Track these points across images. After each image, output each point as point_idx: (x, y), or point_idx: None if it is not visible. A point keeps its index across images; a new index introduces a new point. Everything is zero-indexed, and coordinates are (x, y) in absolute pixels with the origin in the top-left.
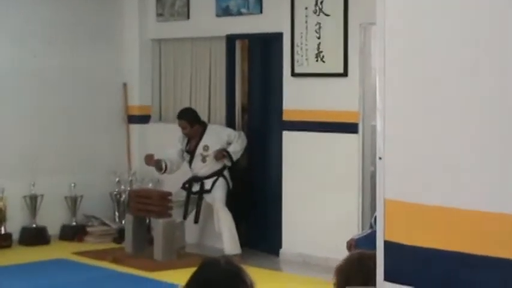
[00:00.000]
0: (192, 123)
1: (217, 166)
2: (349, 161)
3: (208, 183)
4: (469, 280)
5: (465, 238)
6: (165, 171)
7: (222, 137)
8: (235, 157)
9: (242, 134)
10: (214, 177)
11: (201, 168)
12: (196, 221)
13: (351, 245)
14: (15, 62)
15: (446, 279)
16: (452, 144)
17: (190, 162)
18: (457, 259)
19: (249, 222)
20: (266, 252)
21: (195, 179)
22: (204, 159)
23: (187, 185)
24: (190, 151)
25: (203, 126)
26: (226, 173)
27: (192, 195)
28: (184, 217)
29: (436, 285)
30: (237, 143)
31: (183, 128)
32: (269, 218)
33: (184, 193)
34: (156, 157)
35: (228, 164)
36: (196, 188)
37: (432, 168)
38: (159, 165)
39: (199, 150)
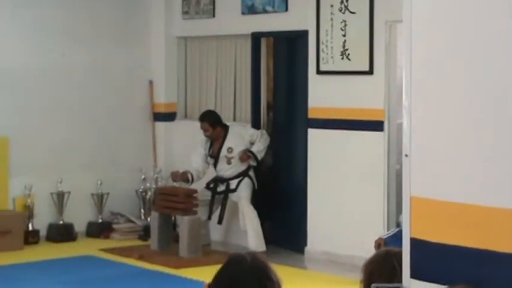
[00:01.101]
0: (213, 125)
1: (242, 167)
2: (375, 159)
3: (233, 183)
4: (496, 278)
5: (492, 235)
6: (192, 182)
7: (245, 138)
8: (259, 156)
9: (264, 132)
10: (240, 178)
11: (227, 170)
12: (219, 222)
13: (380, 244)
14: (43, 60)
15: (472, 277)
16: (479, 141)
17: (215, 165)
18: (483, 256)
19: (274, 220)
20: (291, 250)
21: (220, 179)
22: (229, 161)
23: (211, 185)
24: (214, 154)
25: (225, 128)
26: (251, 173)
27: (216, 195)
28: (209, 217)
29: (462, 282)
30: (260, 142)
31: (205, 130)
32: (294, 216)
33: (208, 193)
34: (181, 170)
35: (254, 164)
36: (221, 188)
37: (458, 166)
38: (185, 178)
39: (224, 152)
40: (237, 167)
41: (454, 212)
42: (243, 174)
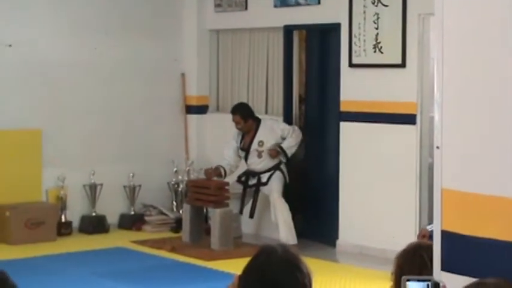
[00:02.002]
0: (245, 117)
1: (273, 161)
2: (407, 152)
3: (264, 177)
4: None
5: None
6: (225, 177)
7: (277, 132)
8: (289, 152)
9: (296, 128)
10: (271, 172)
11: (258, 163)
12: (251, 215)
13: (424, 235)
14: (76, 53)
15: (503, 270)
16: (510, 133)
17: (246, 158)
18: None
19: (306, 213)
20: (323, 243)
21: (252, 173)
22: (259, 155)
23: (243, 179)
24: (245, 147)
25: (257, 121)
26: (283, 166)
27: (248, 189)
28: (241, 211)
29: (493, 275)
30: (291, 138)
31: (236, 123)
32: (326, 209)
33: (239, 186)
34: (213, 164)
35: (283, 160)
36: (253, 181)
37: (490, 158)
38: (218, 173)
39: (254, 146)
40: (268, 161)
41: (485, 204)
42: (274, 168)
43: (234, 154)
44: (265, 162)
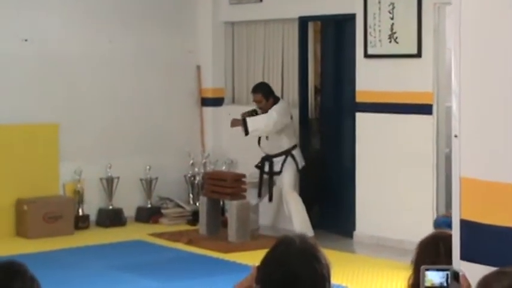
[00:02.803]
0: (267, 96)
1: (283, 144)
2: (424, 143)
3: (278, 164)
4: None
5: None
6: (246, 132)
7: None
8: (251, 127)
9: (274, 114)
10: (283, 157)
11: (266, 146)
12: (270, 199)
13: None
14: (92, 46)
15: None
16: None
17: (259, 141)
18: None
19: (323, 204)
20: (340, 235)
21: (266, 158)
22: (267, 136)
23: (259, 165)
24: None
25: (276, 101)
26: (296, 151)
27: (264, 175)
28: (259, 195)
29: None
30: (261, 117)
31: (257, 102)
32: (343, 200)
33: (257, 174)
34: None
35: (243, 133)
36: (266, 167)
37: (508, 147)
38: (240, 123)
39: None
40: (276, 143)
41: (504, 192)
42: (286, 153)
43: None
44: (274, 145)
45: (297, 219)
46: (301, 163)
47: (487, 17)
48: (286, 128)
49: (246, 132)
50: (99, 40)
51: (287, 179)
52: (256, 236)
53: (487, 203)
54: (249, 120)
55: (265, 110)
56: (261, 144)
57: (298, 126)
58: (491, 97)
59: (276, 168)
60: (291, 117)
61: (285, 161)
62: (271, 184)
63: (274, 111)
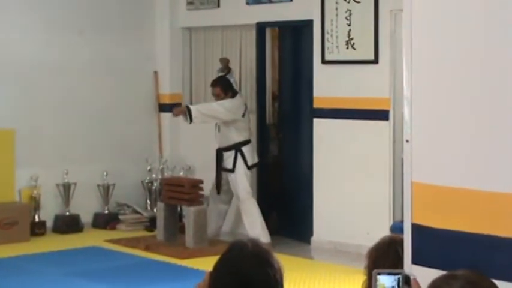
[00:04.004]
0: (226, 90)
1: (233, 138)
2: (380, 148)
3: (228, 159)
4: (498, 262)
5: (493, 220)
6: (191, 118)
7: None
8: (195, 114)
9: (227, 105)
10: (233, 152)
11: (218, 138)
12: (218, 192)
13: None
14: (48, 52)
15: (474, 262)
16: (478, 127)
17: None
18: (485, 242)
19: (280, 210)
20: (297, 240)
21: (218, 151)
22: (218, 129)
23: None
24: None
25: (234, 95)
26: (246, 148)
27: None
28: (218, 190)
29: (464, 267)
30: (207, 103)
31: (216, 96)
32: (300, 205)
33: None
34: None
35: (186, 121)
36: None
37: (459, 152)
38: (184, 111)
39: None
40: (225, 135)
41: (455, 197)
42: (235, 147)
43: None
44: (224, 138)
45: (253, 227)
46: (253, 160)
47: (438, 23)
48: (237, 122)
49: (191, 120)
50: (56, 46)
51: (240, 184)
52: (214, 242)
53: (438, 207)
54: (193, 107)
55: None
56: (215, 137)
57: (256, 131)
58: (442, 103)
59: (227, 164)
60: (244, 114)
61: (235, 158)
62: (219, 177)
63: (226, 102)
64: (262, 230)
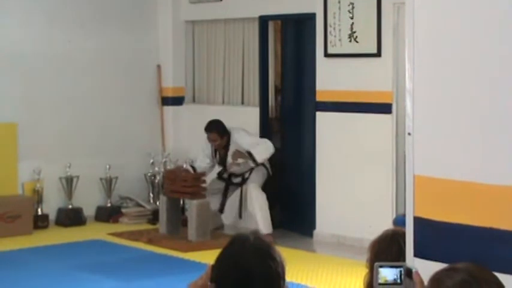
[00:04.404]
0: (222, 135)
1: (249, 165)
2: (383, 142)
3: (247, 173)
4: (499, 255)
5: (494, 213)
6: (256, 163)
7: (244, 145)
8: (259, 158)
9: (267, 141)
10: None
11: (235, 169)
12: (240, 215)
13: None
14: (50, 45)
15: (475, 255)
16: (481, 120)
17: (224, 163)
18: (486, 234)
19: (283, 204)
20: (300, 234)
21: (234, 174)
22: (237, 165)
23: (224, 175)
24: (221, 162)
25: (228, 135)
26: (266, 163)
27: (231, 186)
28: (221, 210)
29: (465, 260)
30: (261, 147)
31: (213, 141)
32: (303, 199)
33: (219, 182)
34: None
35: (252, 165)
36: (237, 179)
37: (460, 144)
38: (245, 155)
39: (229, 161)
40: (247, 165)
41: (457, 190)
42: (250, 169)
43: (206, 164)
44: (241, 167)
45: (260, 217)
46: (271, 171)
47: (440, 17)
48: None
49: (256, 163)
50: (58, 39)
51: (254, 177)
52: (216, 235)
53: (439, 201)
54: (255, 153)
55: (220, 148)
56: (227, 166)
57: (258, 125)
58: (443, 96)
59: (239, 179)
60: None
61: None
62: (242, 196)
63: (262, 139)
64: (266, 221)
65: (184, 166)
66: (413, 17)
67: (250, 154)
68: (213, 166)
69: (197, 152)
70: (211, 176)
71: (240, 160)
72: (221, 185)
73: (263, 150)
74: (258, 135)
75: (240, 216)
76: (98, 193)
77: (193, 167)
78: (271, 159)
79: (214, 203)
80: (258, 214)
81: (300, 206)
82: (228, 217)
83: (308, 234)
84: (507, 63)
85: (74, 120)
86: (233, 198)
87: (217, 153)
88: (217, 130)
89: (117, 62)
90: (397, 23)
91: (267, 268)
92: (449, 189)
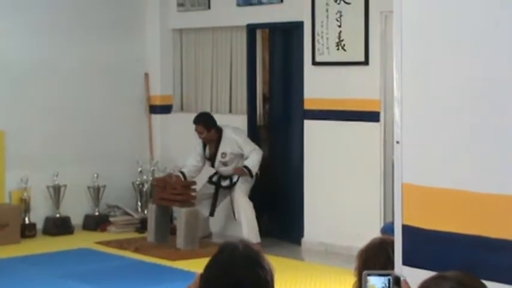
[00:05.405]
0: (208, 127)
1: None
2: (371, 150)
3: (235, 177)
4: (488, 263)
5: (483, 222)
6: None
7: (238, 143)
8: (254, 171)
9: (257, 148)
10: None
11: (225, 170)
12: (212, 214)
13: None
14: (37, 53)
15: (464, 263)
16: (468, 128)
17: (212, 165)
18: (475, 243)
19: (271, 212)
20: (288, 242)
21: (223, 176)
22: (225, 164)
23: (214, 179)
24: (210, 158)
25: (219, 131)
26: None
27: (221, 189)
28: (212, 213)
29: (454, 269)
30: (254, 156)
31: (199, 133)
32: (291, 207)
33: (211, 186)
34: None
35: (249, 178)
36: (225, 183)
37: (448, 153)
38: (244, 172)
39: (218, 157)
40: (232, 166)
41: (445, 198)
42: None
43: (196, 162)
44: (230, 168)
45: (246, 225)
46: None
47: (428, 25)
48: None
49: (251, 175)
50: (46, 48)
51: (241, 185)
52: (204, 244)
53: (428, 209)
54: (252, 167)
55: (208, 140)
56: (215, 168)
57: (246, 133)
58: (432, 104)
59: (234, 179)
60: None
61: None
62: (219, 198)
63: (252, 144)
64: (253, 230)
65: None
66: (401, 25)
67: (247, 168)
68: (203, 165)
69: (186, 158)
70: (202, 181)
71: (228, 158)
72: (211, 189)
73: (256, 162)
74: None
75: (234, 216)
76: (85, 202)
77: (183, 174)
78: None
79: (205, 208)
80: (245, 224)
81: (288, 214)
82: (216, 224)
83: (296, 243)
84: (497, 71)
85: (61, 128)
86: (222, 206)
87: (207, 148)
88: (203, 122)
89: (104, 70)
90: (385, 31)
91: (256, 276)
92: (437, 197)
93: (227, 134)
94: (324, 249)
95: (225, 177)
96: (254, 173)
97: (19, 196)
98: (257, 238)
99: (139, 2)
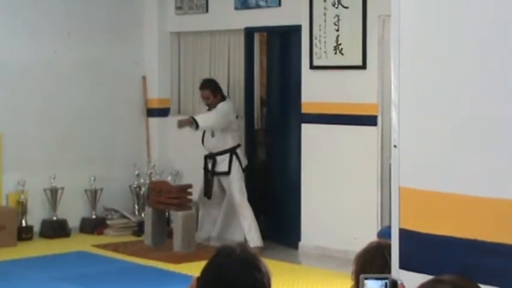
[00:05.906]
0: (215, 92)
1: (229, 142)
2: (368, 154)
3: (222, 163)
4: (484, 267)
5: (480, 226)
6: (197, 127)
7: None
8: (202, 124)
9: (221, 110)
10: (227, 155)
11: (211, 143)
12: (209, 196)
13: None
14: (35, 56)
15: (461, 267)
16: (465, 132)
17: (202, 138)
18: (472, 247)
19: (268, 215)
20: (285, 245)
21: (209, 156)
22: (212, 134)
23: (209, 165)
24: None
25: (223, 98)
26: (239, 150)
27: (209, 173)
28: (205, 193)
29: (451, 272)
30: (211, 114)
31: (205, 98)
32: (288, 211)
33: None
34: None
35: (194, 129)
36: (209, 164)
37: (445, 157)
38: (190, 122)
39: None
40: (221, 141)
41: (442, 202)
42: (230, 151)
43: None
44: (218, 143)
45: (248, 230)
46: (245, 162)
47: (425, 29)
48: (232, 126)
49: (197, 126)
50: (44, 50)
51: (236, 186)
52: (201, 247)
53: (425, 213)
54: (199, 118)
55: (212, 106)
56: (204, 143)
57: (244, 136)
58: (429, 108)
59: (221, 167)
60: (236, 117)
61: (230, 161)
62: (211, 182)
63: (221, 107)
64: (256, 234)
65: (169, 178)
66: (399, 29)
67: (193, 118)
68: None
69: (182, 163)
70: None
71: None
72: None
73: (208, 118)
74: (243, 142)
75: (209, 197)
76: (82, 205)
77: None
78: (256, 169)
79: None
80: (247, 229)
81: (285, 217)
82: (210, 230)
83: (293, 246)
84: (495, 74)
85: (58, 131)
86: (220, 210)
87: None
88: (210, 87)
89: (102, 72)
90: (382, 35)
91: (253, 279)
92: (435, 201)
93: (229, 102)
94: (321, 252)
95: (210, 157)
96: (200, 125)
97: (16, 199)
98: (260, 242)
99: (137, 5)
